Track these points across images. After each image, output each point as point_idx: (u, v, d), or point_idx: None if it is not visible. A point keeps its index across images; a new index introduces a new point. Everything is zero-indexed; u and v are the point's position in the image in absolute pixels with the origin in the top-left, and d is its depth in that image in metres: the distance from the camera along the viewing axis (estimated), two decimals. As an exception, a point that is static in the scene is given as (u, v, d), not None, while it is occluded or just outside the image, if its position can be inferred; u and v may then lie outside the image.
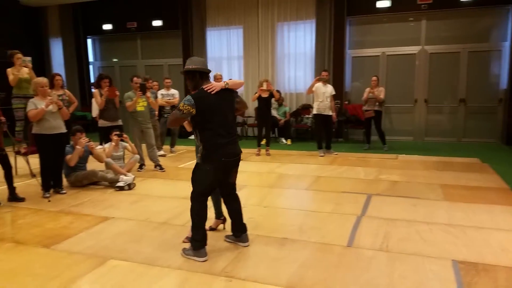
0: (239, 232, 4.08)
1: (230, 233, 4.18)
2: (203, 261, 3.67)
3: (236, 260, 3.71)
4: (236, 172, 3.99)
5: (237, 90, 3.95)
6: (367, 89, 9.24)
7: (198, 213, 3.77)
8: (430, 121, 10.90)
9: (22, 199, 5.70)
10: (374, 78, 9.23)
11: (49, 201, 5.66)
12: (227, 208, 4.10)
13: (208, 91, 3.64)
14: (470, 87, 10.39)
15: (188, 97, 3.64)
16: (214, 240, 4.16)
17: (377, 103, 9.18)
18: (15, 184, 5.77)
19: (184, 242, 4.05)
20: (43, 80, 5.84)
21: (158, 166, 7.52)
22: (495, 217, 4.76)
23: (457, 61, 10.40)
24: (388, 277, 3.36)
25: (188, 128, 4.05)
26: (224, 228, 4.47)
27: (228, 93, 3.78)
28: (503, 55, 10.09)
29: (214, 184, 3.84)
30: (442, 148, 9.60)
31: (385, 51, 10.94)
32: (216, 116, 3.66)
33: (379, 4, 10.59)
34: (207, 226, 4.30)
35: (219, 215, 4.44)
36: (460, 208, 5.13)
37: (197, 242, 3.74)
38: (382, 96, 9.13)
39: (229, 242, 4.11)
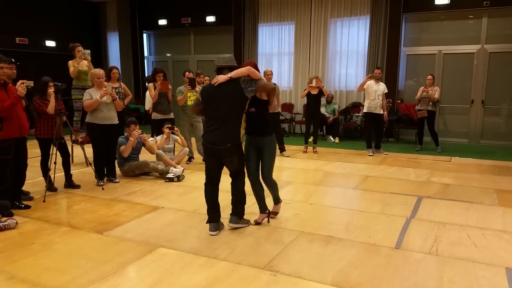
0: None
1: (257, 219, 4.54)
2: (212, 235, 4.17)
3: (281, 255, 3.72)
4: (229, 162, 4.19)
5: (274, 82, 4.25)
6: (421, 88, 8.94)
7: (205, 196, 4.26)
8: (486, 123, 10.43)
9: (77, 186, 5.98)
10: (430, 76, 8.93)
11: (102, 189, 5.91)
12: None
13: (213, 83, 4.09)
14: (532, 89, 9.88)
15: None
16: (260, 234, 4.21)
17: (430, 103, 8.86)
18: (71, 172, 6.06)
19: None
20: (100, 71, 6.10)
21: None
22: (555, 226, 4.51)
23: (519, 61, 9.90)
24: (436, 281, 3.27)
25: None
26: (268, 222, 4.52)
27: (233, 85, 4.04)
28: None
29: (210, 170, 4.24)
30: (499, 152, 9.17)
31: (442, 50, 10.55)
32: (211, 106, 4.10)
33: (437, 1, 10.21)
34: (252, 221, 4.38)
35: (263, 209, 4.50)
36: (517, 214, 4.91)
37: (208, 216, 4.26)
38: (436, 95, 8.81)
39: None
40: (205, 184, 4.28)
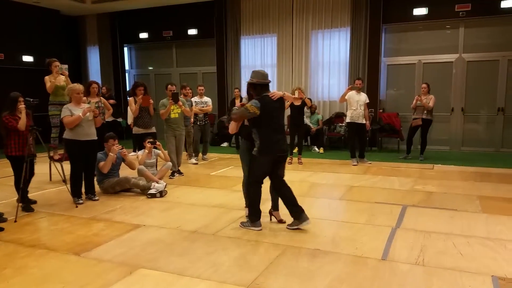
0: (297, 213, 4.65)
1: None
2: (259, 230, 4.63)
3: (267, 271, 3.63)
4: (284, 166, 4.76)
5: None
6: (416, 97, 8.95)
7: (253, 196, 4.68)
8: (467, 131, 10.57)
9: (34, 202, 5.75)
10: (424, 85, 8.94)
11: (76, 207, 5.69)
12: (280, 196, 4.77)
13: (272, 97, 4.53)
14: (509, 96, 10.05)
15: (255, 100, 4.51)
16: (246, 250, 4.12)
17: (425, 111, 8.84)
18: (49, 190, 5.80)
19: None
20: (79, 86, 5.91)
21: (177, 172, 7.65)
22: (539, 233, 4.52)
23: (496, 69, 10.07)
24: (425, 294, 3.22)
25: (234, 130, 4.81)
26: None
27: (283, 101, 4.72)
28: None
29: (267, 173, 4.67)
30: (480, 159, 9.26)
31: (421, 59, 10.68)
32: (274, 118, 4.57)
33: (415, 12, 10.38)
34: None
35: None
36: (499, 221, 4.91)
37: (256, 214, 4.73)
38: (431, 104, 8.78)
39: (293, 229, 4.65)
40: (254, 186, 4.68)
